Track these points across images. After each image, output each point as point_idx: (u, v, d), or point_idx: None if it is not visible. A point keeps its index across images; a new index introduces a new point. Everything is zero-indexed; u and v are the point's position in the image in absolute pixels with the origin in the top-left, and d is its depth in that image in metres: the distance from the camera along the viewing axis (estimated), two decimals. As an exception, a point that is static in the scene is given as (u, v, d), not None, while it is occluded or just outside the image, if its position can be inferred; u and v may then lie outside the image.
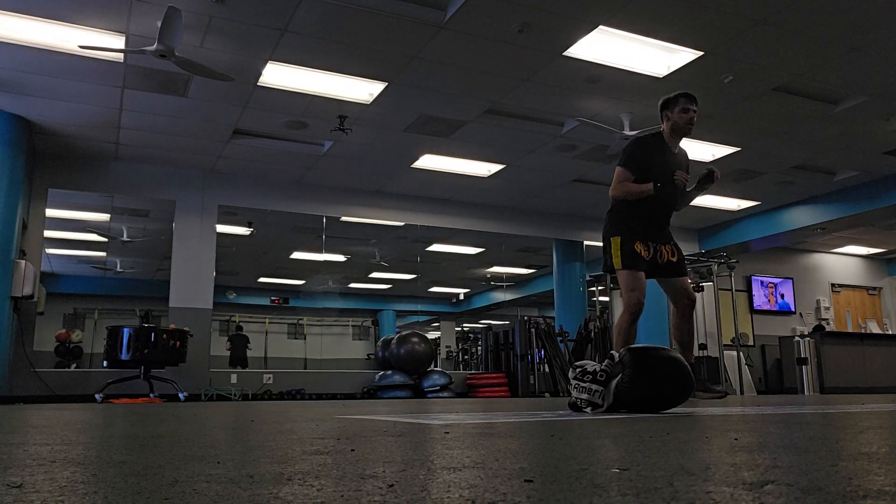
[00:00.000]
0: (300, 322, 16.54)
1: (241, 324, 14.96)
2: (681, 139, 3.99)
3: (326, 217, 10.13)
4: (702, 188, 4.01)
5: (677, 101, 3.87)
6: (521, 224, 10.90)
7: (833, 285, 13.79)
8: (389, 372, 9.46)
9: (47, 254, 11.54)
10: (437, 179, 9.36)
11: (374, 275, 15.18)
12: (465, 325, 19.11)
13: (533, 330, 10.03)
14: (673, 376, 3.08)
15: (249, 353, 14.26)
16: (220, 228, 9.20)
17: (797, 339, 11.36)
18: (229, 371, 8.84)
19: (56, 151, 8.13)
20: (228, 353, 13.81)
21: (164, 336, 7.36)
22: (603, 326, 10.46)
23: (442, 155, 8.49)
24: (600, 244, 4.14)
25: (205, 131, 7.66)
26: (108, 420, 2.94)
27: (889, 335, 13.27)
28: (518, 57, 6.04)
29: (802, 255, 13.49)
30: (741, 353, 10.61)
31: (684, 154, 4.10)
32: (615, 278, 4.12)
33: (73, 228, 11.01)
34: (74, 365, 12.88)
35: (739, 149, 8.28)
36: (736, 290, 10.96)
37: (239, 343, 14.12)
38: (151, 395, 7.40)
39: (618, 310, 10.85)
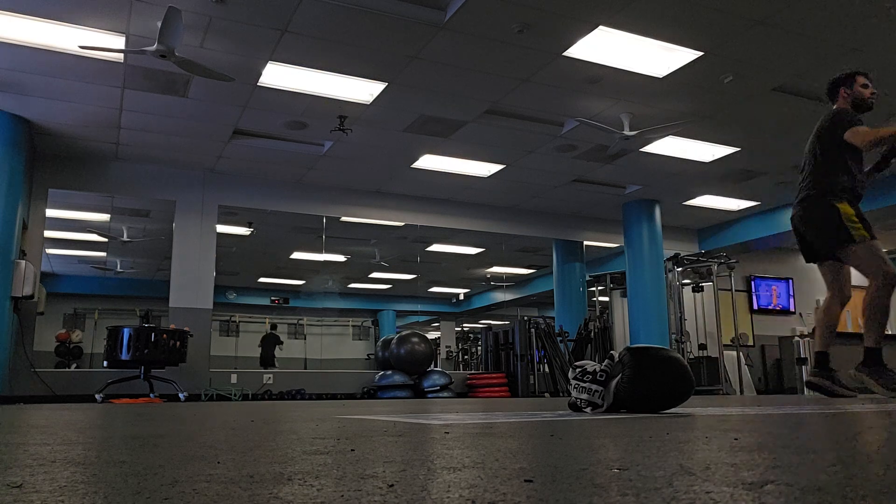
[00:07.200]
0: (300, 322, 16.54)
1: (275, 323, 15.00)
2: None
3: (326, 217, 10.13)
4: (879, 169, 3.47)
5: (855, 77, 3.51)
6: (521, 224, 10.89)
7: (833, 285, 13.76)
8: (389, 372, 9.46)
9: (47, 254, 11.54)
10: (437, 179, 9.36)
11: (374, 275, 15.18)
12: (465, 325, 19.10)
13: (533, 330, 10.03)
14: (673, 376, 3.08)
15: (280, 354, 14.29)
16: (220, 228, 9.20)
17: (797, 339, 11.36)
18: (229, 371, 8.84)
19: (56, 151, 8.13)
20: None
21: (164, 336, 7.36)
22: (603, 326, 10.45)
23: (442, 155, 8.49)
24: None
25: (205, 131, 7.66)
26: (109, 420, 2.94)
27: (889, 335, 13.24)
28: (518, 57, 6.04)
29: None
30: (741, 353, 10.61)
31: None
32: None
33: (73, 228, 11.01)
34: (74, 365, 12.89)
35: (739, 149, 8.28)
36: (736, 290, 10.96)
37: (269, 343, 14.10)
38: (151, 395, 7.40)
39: (622, 310, 10.82)
